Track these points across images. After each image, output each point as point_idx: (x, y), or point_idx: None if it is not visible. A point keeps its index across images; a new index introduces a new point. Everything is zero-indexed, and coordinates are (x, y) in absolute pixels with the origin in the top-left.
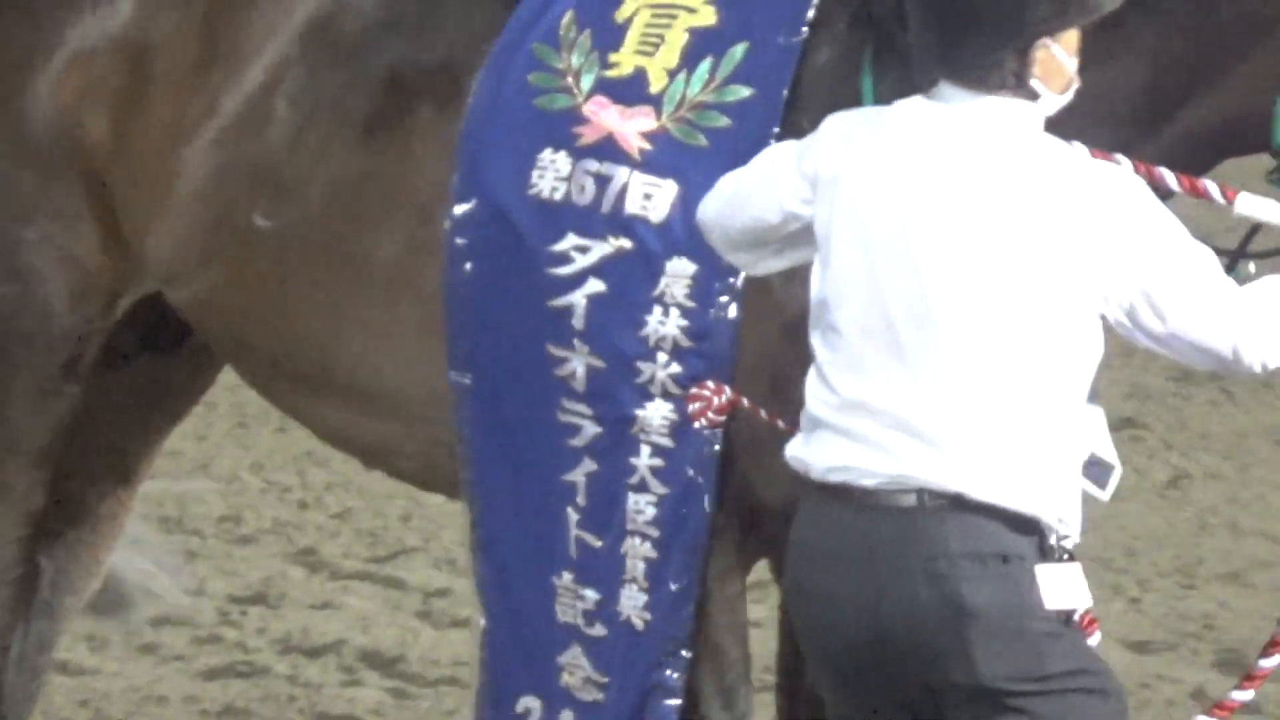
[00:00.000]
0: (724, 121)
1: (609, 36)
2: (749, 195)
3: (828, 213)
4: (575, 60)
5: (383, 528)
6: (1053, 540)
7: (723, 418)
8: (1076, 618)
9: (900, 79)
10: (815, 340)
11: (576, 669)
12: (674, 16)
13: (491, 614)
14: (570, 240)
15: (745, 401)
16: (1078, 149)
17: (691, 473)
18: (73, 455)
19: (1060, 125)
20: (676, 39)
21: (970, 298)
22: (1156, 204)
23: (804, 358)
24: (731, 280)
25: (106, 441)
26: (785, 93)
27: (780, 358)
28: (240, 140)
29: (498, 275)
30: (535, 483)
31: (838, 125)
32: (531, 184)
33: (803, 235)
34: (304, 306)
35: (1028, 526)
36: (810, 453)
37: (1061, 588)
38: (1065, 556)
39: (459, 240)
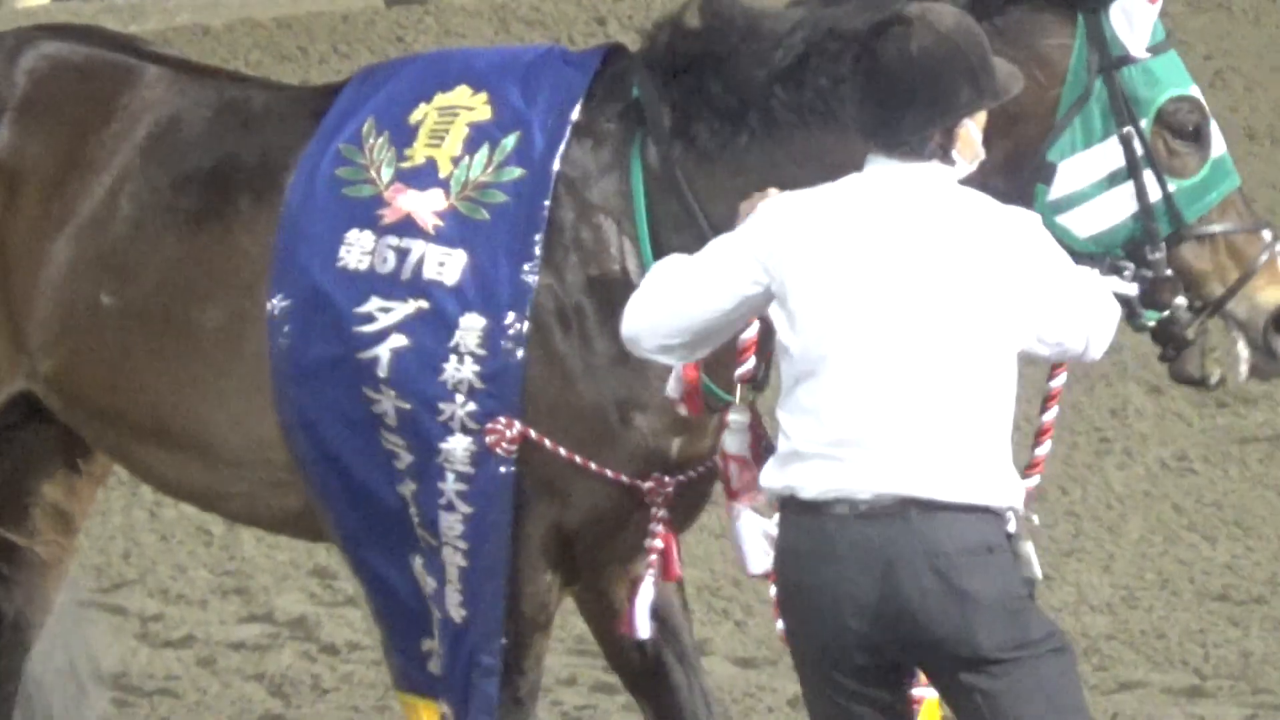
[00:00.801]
0: (502, 198)
1: (403, 135)
2: (701, 296)
3: (795, 283)
4: (376, 156)
5: (106, 563)
6: (1010, 526)
7: (515, 447)
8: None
9: (664, 155)
10: (795, 388)
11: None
12: (456, 114)
13: (372, 592)
14: (374, 303)
15: (533, 433)
16: (988, 200)
17: (490, 495)
18: (14, 509)
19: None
20: (459, 132)
21: (931, 339)
22: (1053, 243)
23: (589, 397)
24: (513, 332)
25: (44, 492)
26: (555, 169)
27: (568, 396)
28: (91, 234)
29: (314, 335)
30: (376, 495)
31: (785, 209)
32: (340, 258)
33: (738, 322)
34: (144, 371)
35: (998, 518)
36: (797, 479)
37: (1034, 560)
38: (1022, 537)
39: (279, 305)
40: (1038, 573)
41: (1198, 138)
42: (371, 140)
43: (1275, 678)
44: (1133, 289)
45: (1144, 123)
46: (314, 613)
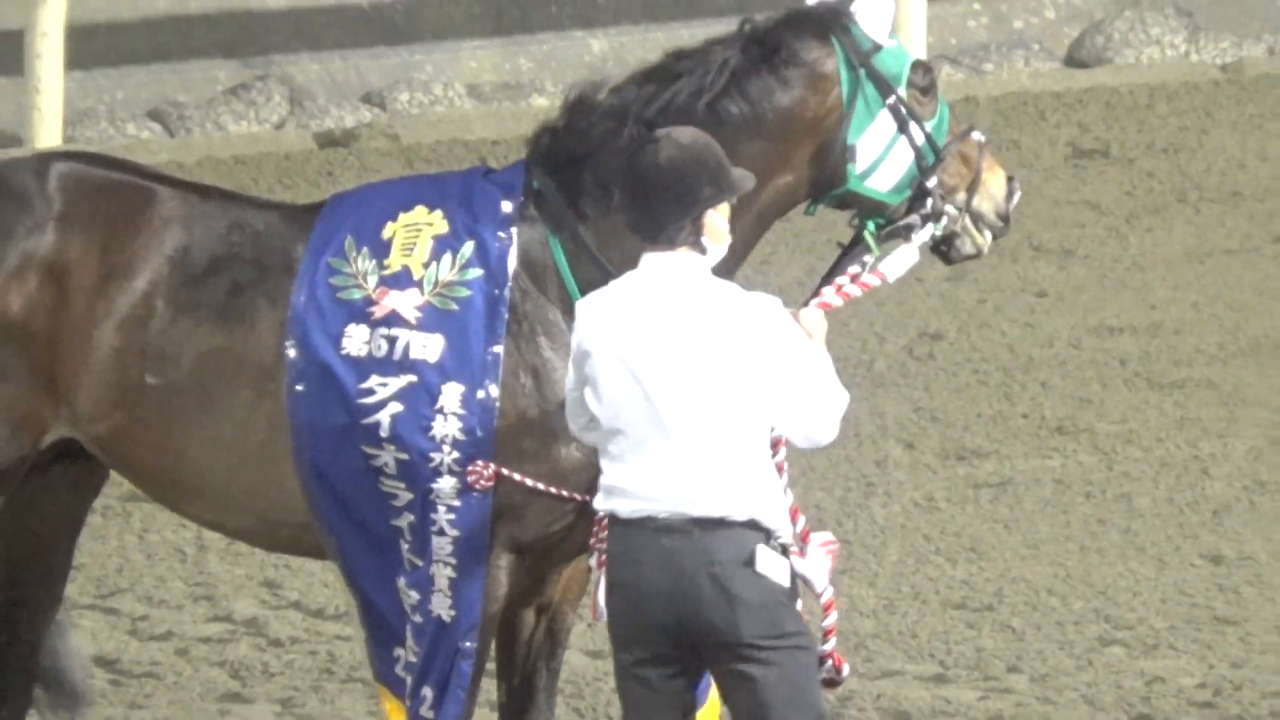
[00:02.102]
0: (466, 292)
1: (380, 249)
2: (568, 408)
3: (592, 366)
4: (360, 266)
5: (103, 575)
6: (773, 538)
7: (490, 483)
8: (823, 598)
9: (570, 231)
10: (605, 442)
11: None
12: (420, 230)
13: (362, 605)
14: (374, 380)
15: (505, 471)
16: (732, 287)
17: (472, 521)
18: (24, 529)
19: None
20: (425, 244)
21: (694, 401)
22: (791, 327)
23: (546, 436)
24: (483, 396)
25: (48, 518)
26: (511, 267)
27: (530, 437)
28: (134, 327)
29: (325, 407)
30: (373, 528)
31: (584, 306)
32: (343, 347)
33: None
34: (185, 437)
35: (761, 531)
36: (617, 504)
37: (779, 567)
38: (782, 551)
39: (297, 387)
40: (785, 583)
41: (931, 87)
42: (354, 254)
43: (1001, 668)
44: (927, 232)
45: (901, 90)
46: (264, 614)
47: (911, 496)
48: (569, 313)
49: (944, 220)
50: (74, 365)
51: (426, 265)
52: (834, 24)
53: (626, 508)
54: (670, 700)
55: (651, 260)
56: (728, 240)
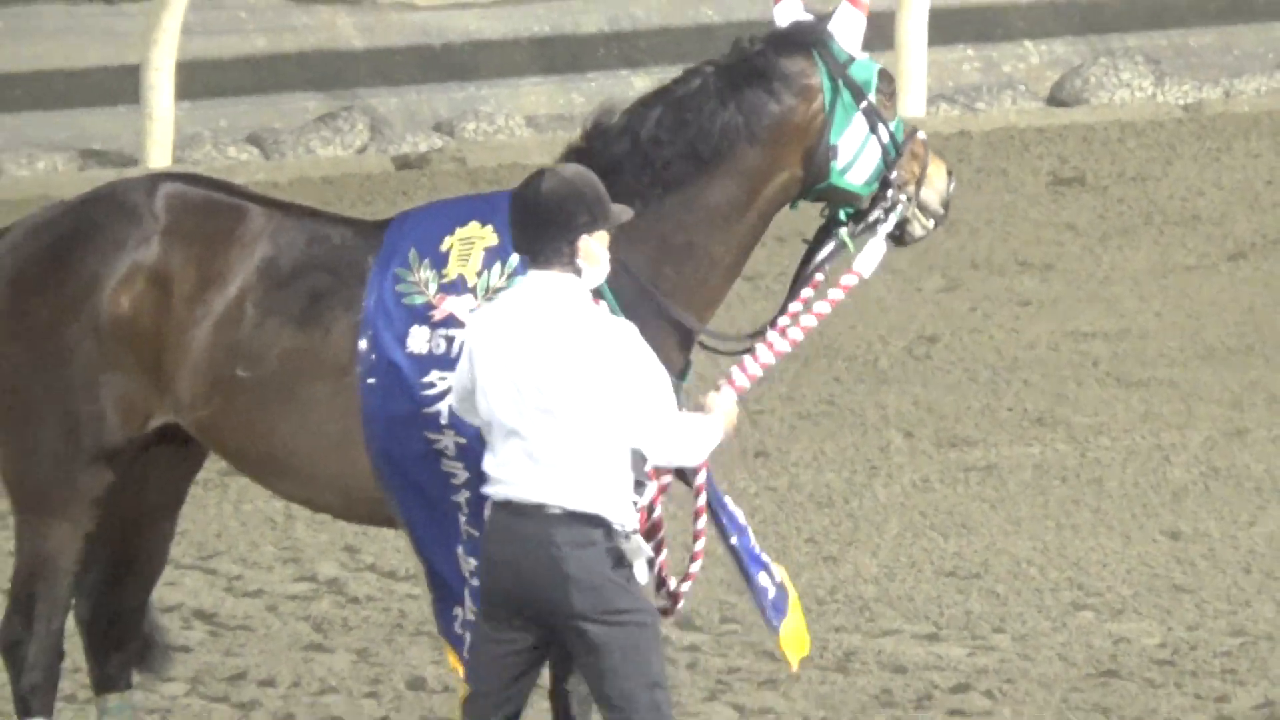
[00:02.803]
0: None
1: (439, 260)
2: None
3: (476, 371)
4: (423, 274)
5: (204, 540)
6: (617, 530)
7: None
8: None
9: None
10: (486, 433)
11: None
12: (473, 243)
13: (427, 567)
14: (434, 374)
15: None
16: (596, 310)
17: None
18: (137, 499)
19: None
20: (478, 255)
21: (552, 404)
22: (644, 352)
23: None
24: None
25: (156, 488)
26: None
27: None
28: (227, 328)
29: (393, 398)
30: (435, 503)
31: (475, 316)
32: (407, 346)
33: None
34: (271, 424)
35: (601, 524)
36: (488, 488)
37: (627, 552)
38: (626, 539)
39: (369, 381)
40: (640, 571)
41: (893, 93)
42: (417, 264)
43: (987, 628)
44: (889, 224)
45: (871, 96)
46: (343, 575)
47: (910, 478)
48: (604, 305)
49: (898, 208)
50: (175, 360)
51: (479, 273)
52: (815, 41)
53: (494, 492)
54: (503, 659)
55: (533, 278)
56: (605, 265)
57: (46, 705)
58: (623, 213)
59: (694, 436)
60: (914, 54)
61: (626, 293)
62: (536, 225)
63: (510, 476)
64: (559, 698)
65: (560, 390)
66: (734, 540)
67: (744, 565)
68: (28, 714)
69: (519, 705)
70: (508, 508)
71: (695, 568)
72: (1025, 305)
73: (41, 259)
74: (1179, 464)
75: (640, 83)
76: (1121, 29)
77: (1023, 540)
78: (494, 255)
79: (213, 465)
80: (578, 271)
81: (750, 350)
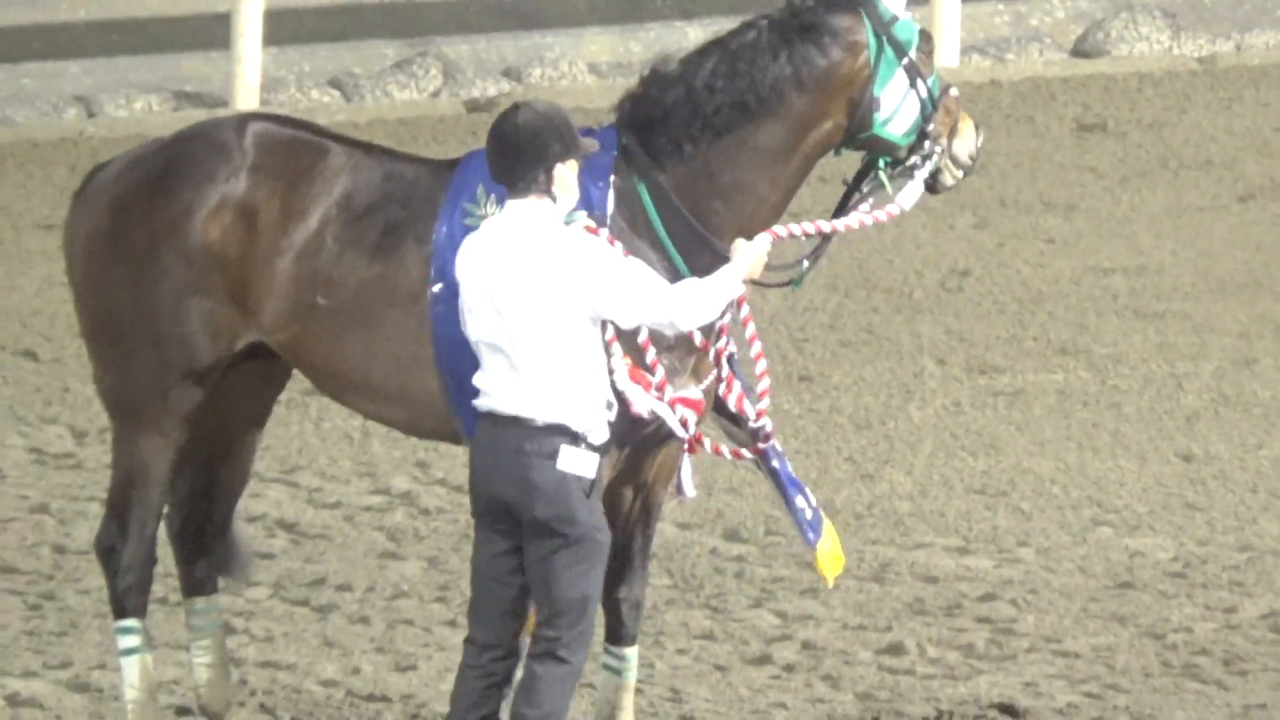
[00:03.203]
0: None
1: (504, 196)
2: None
3: (462, 293)
4: (489, 209)
5: (286, 455)
6: (582, 441)
7: None
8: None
9: (652, 180)
10: (476, 350)
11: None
12: None
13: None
14: None
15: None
16: (568, 231)
17: None
18: (224, 415)
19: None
20: None
21: (527, 321)
22: (608, 252)
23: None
24: None
25: (242, 405)
26: (609, 212)
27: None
28: (308, 258)
29: (460, 323)
30: None
31: (464, 244)
32: None
33: None
34: (349, 346)
35: (568, 434)
36: (479, 401)
37: (581, 464)
38: (590, 449)
39: (438, 308)
40: (586, 477)
41: (931, 51)
42: (484, 200)
43: (1012, 542)
44: (926, 170)
45: (912, 53)
46: (415, 488)
47: (942, 402)
48: (655, 245)
49: (933, 159)
50: (260, 286)
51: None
52: (863, 1)
53: (480, 404)
54: (491, 560)
55: (512, 206)
56: (575, 193)
57: (140, 606)
58: (588, 145)
59: (694, 296)
60: (948, 8)
61: (677, 228)
62: (514, 155)
63: (493, 389)
64: (612, 605)
65: (537, 305)
66: (775, 464)
67: (783, 488)
68: (123, 614)
69: (521, 620)
70: (490, 418)
71: (764, 385)
72: (1050, 242)
73: (139, 189)
74: (1192, 391)
75: (694, 33)
76: None
77: (1046, 460)
78: None
79: (295, 386)
80: (553, 198)
81: (794, 281)
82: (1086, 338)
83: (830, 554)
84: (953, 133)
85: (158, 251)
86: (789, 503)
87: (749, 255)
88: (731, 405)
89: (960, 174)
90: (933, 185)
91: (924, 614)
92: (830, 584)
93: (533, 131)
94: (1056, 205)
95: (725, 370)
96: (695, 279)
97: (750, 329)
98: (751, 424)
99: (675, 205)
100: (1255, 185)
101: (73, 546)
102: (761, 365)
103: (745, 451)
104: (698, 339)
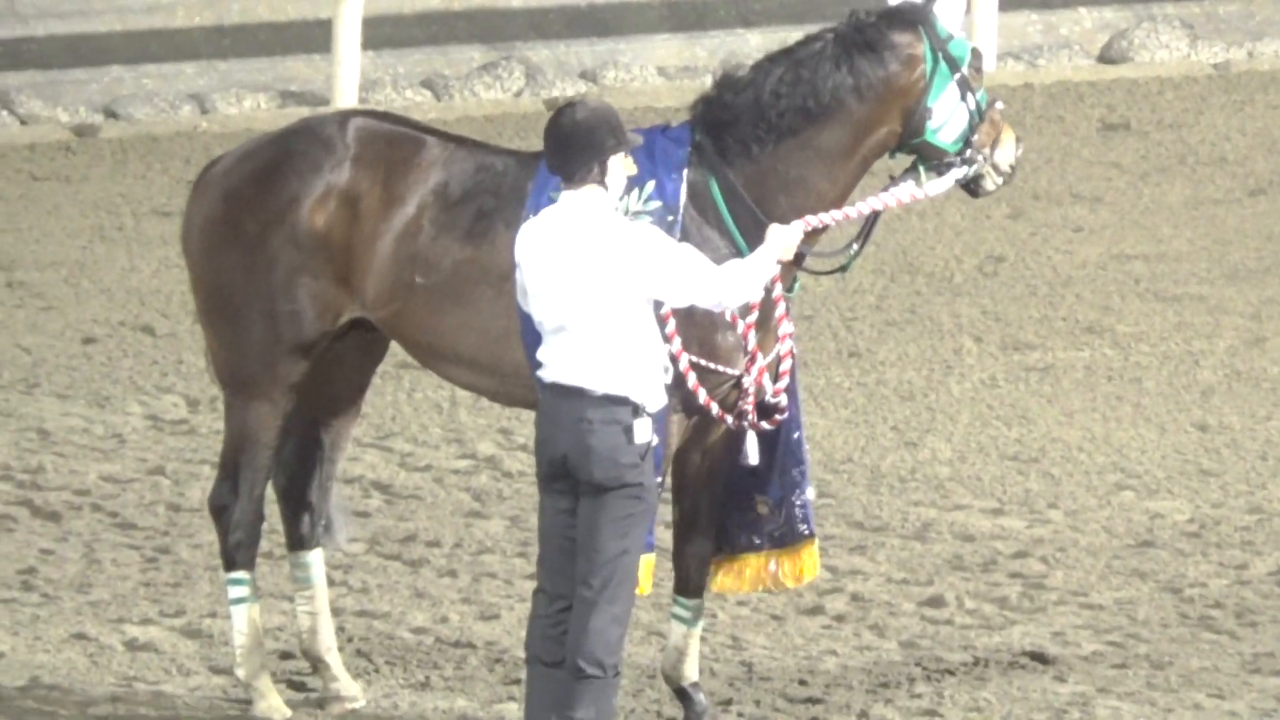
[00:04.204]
0: (649, 219)
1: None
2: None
3: (524, 277)
4: None
5: (381, 423)
6: (640, 410)
7: (669, 363)
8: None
9: (722, 176)
10: (540, 330)
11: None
12: None
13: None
14: None
15: (681, 352)
16: (620, 218)
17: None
18: (327, 385)
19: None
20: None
21: (585, 301)
22: (659, 237)
23: (717, 328)
24: None
25: (344, 376)
26: (682, 200)
27: (702, 327)
28: (406, 241)
29: None
30: None
31: (522, 231)
32: None
33: None
34: (444, 322)
35: (625, 403)
36: (542, 373)
37: (644, 432)
38: (645, 416)
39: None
40: (639, 443)
41: (981, 68)
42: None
43: (1043, 504)
44: (964, 170)
45: (964, 69)
46: (499, 453)
47: (979, 377)
48: (725, 235)
49: (975, 165)
50: (363, 267)
51: (621, 198)
52: (922, 19)
53: (544, 375)
54: (559, 514)
55: (567, 197)
56: (624, 182)
57: (249, 560)
58: (634, 138)
59: (736, 276)
60: (986, 18)
61: (743, 218)
62: (572, 148)
63: (556, 362)
64: (680, 559)
65: (595, 287)
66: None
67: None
68: (233, 567)
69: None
70: (553, 389)
71: (786, 366)
72: (1078, 231)
73: (250, 180)
74: (1207, 367)
75: (754, 39)
76: None
77: (1074, 430)
78: (633, 182)
79: (390, 359)
80: (605, 187)
81: (844, 266)
82: (1111, 318)
83: (813, 555)
84: (996, 143)
85: (268, 236)
86: (799, 487)
87: (782, 239)
88: (751, 379)
89: (1000, 181)
90: (975, 190)
91: (962, 570)
92: (795, 584)
93: (590, 127)
94: (1084, 198)
95: (786, 347)
96: (736, 260)
97: (780, 309)
98: (769, 399)
99: (742, 198)
100: (1265, 180)
101: (186, 505)
102: (786, 345)
103: (764, 424)
104: (746, 318)
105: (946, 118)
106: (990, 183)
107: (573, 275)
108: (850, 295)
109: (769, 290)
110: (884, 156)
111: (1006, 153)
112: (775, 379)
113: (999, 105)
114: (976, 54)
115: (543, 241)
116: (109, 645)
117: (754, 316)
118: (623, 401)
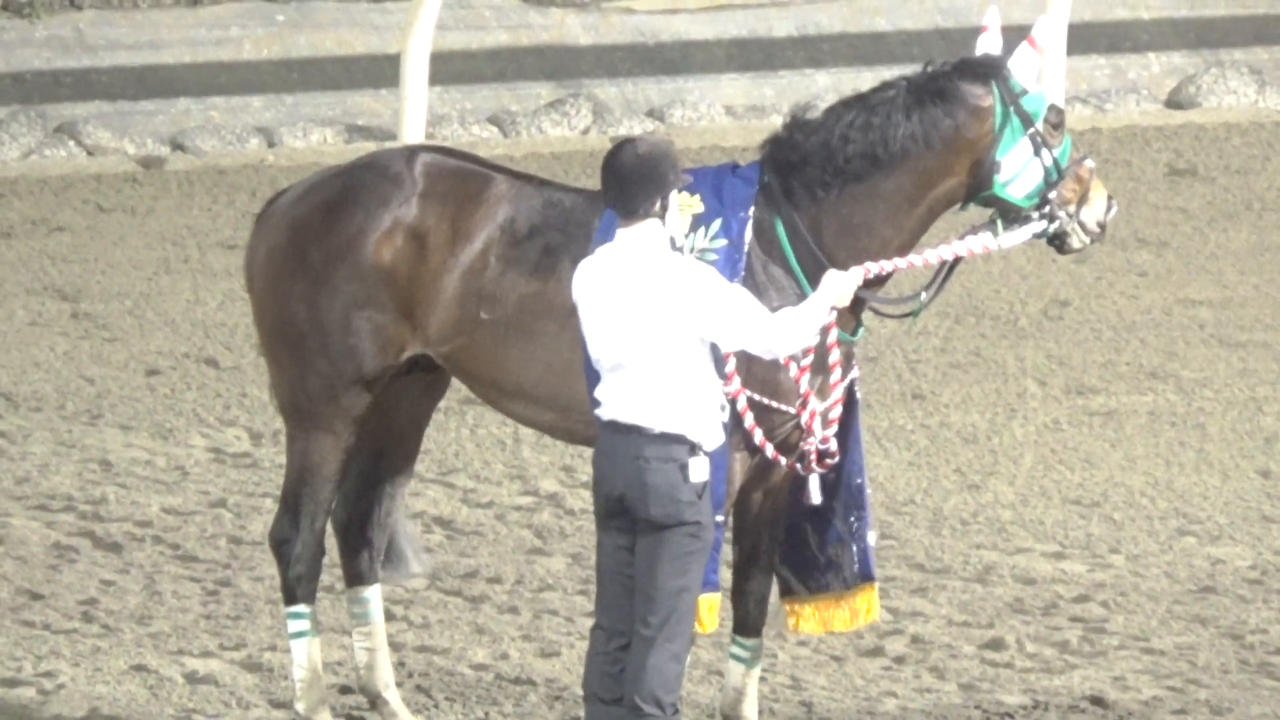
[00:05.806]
0: (714, 256)
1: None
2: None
3: (582, 315)
4: None
5: (444, 459)
6: (697, 449)
7: (730, 401)
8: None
9: (788, 216)
10: (598, 367)
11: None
12: (682, 209)
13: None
14: None
15: (745, 391)
16: (678, 256)
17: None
18: (388, 422)
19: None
20: (686, 219)
21: (642, 341)
22: (716, 279)
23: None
24: None
25: (404, 413)
26: (747, 239)
27: (763, 367)
28: (472, 276)
29: None
30: None
31: (579, 269)
32: None
33: None
34: (509, 357)
35: (682, 441)
36: (600, 411)
37: (700, 470)
38: (702, 454)
39: None
40: (697, 482)
41: (1061, 124)
42: None
43: (1105, 549)
44: (1041, 225)
45: (1039, 124)
46: (562, 490)
47: (1042, 420)
48: (789, 275)
49: (1058, 222)
50: (428, 302)
51: (687, 235)
52: (994, 72)
53: (602, 413)
54: (617, 550)
55: (624, 234)
56: (679, 219)
57: (309, 594)
58: (686, 177)
59: (790, 323)
60: (1055, 62)
61: (807, 260)
62: (635, 183)
63: (615, 401)
64: (740, 599)
65: (651, 327)
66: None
67: (864, 521)
68: (293, 600)
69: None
70: (611, 427)
71: (836, 414)
72: (1143, 276)
73: (317, 212)
74: (1270, 413)
75: (821, 79)
76: (1229, 45)
77: (1136, 475)
78: (700, 220)
79: (453, 395)
80: (664, 223)
81: (914, 312)
82: (1175, 364)
83: (873, 598)
84: (1083, 200)
85: (333, 269)
86: (858, 533)
87: (838, 286)
88: (803, 421)
89: (1088, 239)
90: (1060, 246)
91: (1023, 613)
92: (850, 627)
93: (653, 162)
94: (1150, 242)
95: (838, 393)
96: (789, 308)
97: (834, 355)
98: (819, 445)
99: (806, 239)
100: None
101: (248, 538)
102: (838, 393)
103: (816, 467)
104: (799, 362)
105: (1016, 172)
106: (1076, 240)
107: (629, 313)
108: (915, 338)
109: (824, 333)
110: (956, 208)
111: (1095, 210)
112: (825, 425)
113: (1089, 163)
114: (1054, 110)
115: (599, 279)
116: (169, 677)
117: (809, 360)
118: (679, 440)
